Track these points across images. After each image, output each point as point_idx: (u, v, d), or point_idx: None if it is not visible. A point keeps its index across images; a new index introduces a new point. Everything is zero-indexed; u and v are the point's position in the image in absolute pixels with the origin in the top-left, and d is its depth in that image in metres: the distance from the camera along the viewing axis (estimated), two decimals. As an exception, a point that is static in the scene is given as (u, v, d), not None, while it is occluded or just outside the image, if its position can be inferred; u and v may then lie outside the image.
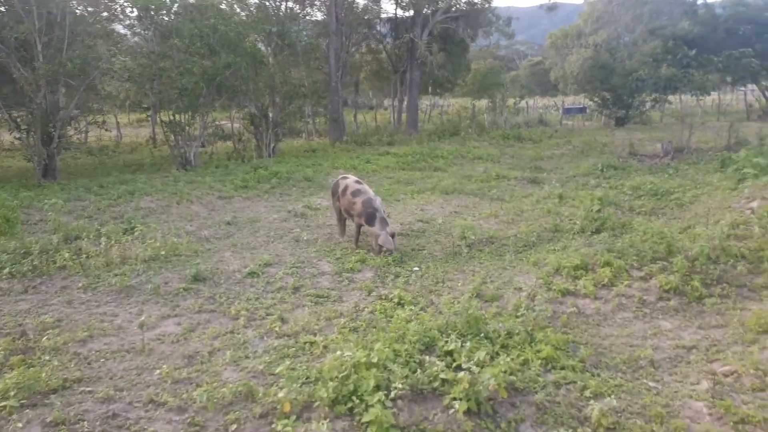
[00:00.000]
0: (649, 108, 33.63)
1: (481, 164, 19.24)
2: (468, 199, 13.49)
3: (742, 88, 43.78)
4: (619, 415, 4.72)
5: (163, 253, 8.82)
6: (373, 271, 8.28)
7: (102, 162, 19.52)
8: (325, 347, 5.80)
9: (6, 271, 7.95)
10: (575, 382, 5.12)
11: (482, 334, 5.86)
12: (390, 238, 8.83)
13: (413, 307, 6.64)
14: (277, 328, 6.33)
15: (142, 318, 6.28)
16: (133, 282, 7.81)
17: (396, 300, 6.97)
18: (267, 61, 20.62)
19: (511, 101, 33.14)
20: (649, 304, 6.82)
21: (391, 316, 6.56)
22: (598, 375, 5.31)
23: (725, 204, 10.59)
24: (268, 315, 6.79)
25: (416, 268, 8.45)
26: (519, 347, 5.67)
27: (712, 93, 44.43)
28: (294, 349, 5.85)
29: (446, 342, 5.52)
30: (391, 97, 37.72)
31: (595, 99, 34.29)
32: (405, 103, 32.73)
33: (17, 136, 15.71)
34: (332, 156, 20.18)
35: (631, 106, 33.35)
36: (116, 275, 7.99)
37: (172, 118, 17.42)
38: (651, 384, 5.22)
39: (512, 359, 5.32)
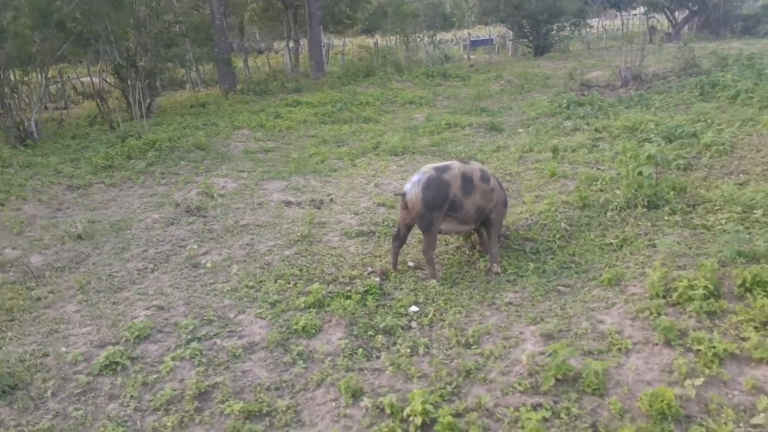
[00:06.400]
0: (570, 35, 31.19)
1: (418, 110, 15.63)
2: (427, 161, 9.87)
3: (625, 13, 43.01)
4: None
5: (-63, 326, 4.70)
6: (342, 325, 4.61)
7: None
8: None
9: None
10: None
11: None
12: None
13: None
14: None
15: None
16: None
17: (417, 418, 3.38)
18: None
19: (424, 36, 29.45)
20: None
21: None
22: None
23: (794, 147, 7.73)
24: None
25: (414, 308, 4.89)
26: None
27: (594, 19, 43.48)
28: None
29: None
30: (284, 38, 32.93)
31: (513, 28, 31.40)
32: (302, 43, 28.26)
33: None
34: (228, 111, 15.79)
35: (549, 33, 30.72)
36: None
37: (-4, 74, 12.40)
38: None
39: None
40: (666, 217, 6.09)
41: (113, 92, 17.16)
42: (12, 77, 12.64)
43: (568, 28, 31.14)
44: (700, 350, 3.81)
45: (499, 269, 5.52)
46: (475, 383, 3.81)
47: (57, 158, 10.34)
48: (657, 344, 3.97)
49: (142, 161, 10.10)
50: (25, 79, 12.89)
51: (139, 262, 6.12)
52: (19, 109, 12.54)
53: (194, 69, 24.33)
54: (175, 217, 7.43)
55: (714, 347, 3.77)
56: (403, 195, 5.35)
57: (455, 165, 5.40)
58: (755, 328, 3.96)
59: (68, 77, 15.82)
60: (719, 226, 5.65)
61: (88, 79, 18.84)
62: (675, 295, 4.42)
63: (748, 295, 4.30)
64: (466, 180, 5.33)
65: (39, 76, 13.17)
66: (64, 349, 4.39)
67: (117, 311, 4.99)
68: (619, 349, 4.00)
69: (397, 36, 28.62)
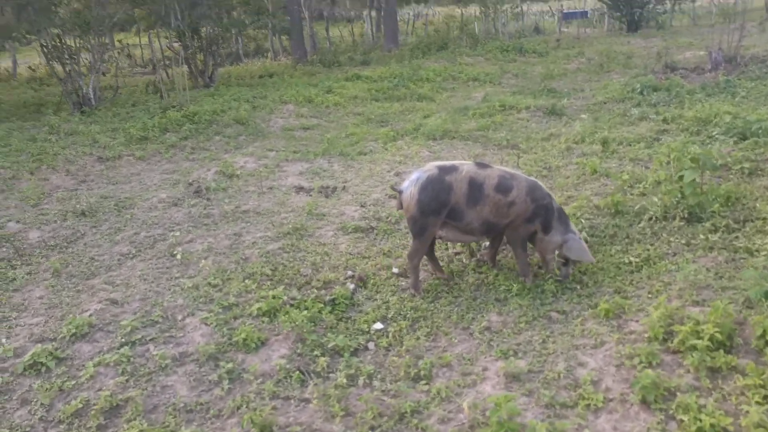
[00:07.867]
0: (671, 9, 28.68)
1: (479, 88, 14.76)
2: (465, 147, 9.19)
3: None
4: None
5: None
6: (291, 340, 4.18)
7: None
8: None
9: None
10: None
11: None
12: (584, 244, 4.86)
13: None
14: None
15: None
16: None
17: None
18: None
19: (505, 6, 27.99)
20: None
21: None
22: None
23: None
24: None
25: (378, 325, 4.38)
26: None
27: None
28: None
29: None
30: (368, 6, 32.37)
31: (605, 0, 29.29)
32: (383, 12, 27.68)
33: None
34: (286, 83, 15.58)
35: (644, 6, 28.36)
36: None
37: (56, 41, 12.72)
38: None
39: None
40: (702, 235, 5.19)
41: (179, 60, 17.38)
42: (71, 43, 12.94)
43: (668, 2, 28.67)
44: (683, 421, 3.09)
45: (529, 281, 4.88)
46: (405, 431, 3.28)
47: (98, 127, 10.45)
48: (633, 405, 3.27)
49: (176, 135, 10.01)
50: (82, 44, 13.13)
51: (126, 245, 5.94)
52: (78, 75, 12.83)
53: (274, 37, 24.36)
54: (181, 197, 7.23)
55: (700, 420, 3.03)
56: (399, 193, 4.77)
57: (465, 167, 4.68)
58: (763, 397, 3.16)
59: (126, 44, 16.02)
60: (765, 253, 4.73)
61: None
62: (676, 340, 3.66)
63: (767, 350, 3.48)
64: (474, 187, 4.58)
65: (96, 41, 13.38)
66: (4, 340, 4.24)
67: (75, 301, 4.80)
68: (588, 406, 3.33)
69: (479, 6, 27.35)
